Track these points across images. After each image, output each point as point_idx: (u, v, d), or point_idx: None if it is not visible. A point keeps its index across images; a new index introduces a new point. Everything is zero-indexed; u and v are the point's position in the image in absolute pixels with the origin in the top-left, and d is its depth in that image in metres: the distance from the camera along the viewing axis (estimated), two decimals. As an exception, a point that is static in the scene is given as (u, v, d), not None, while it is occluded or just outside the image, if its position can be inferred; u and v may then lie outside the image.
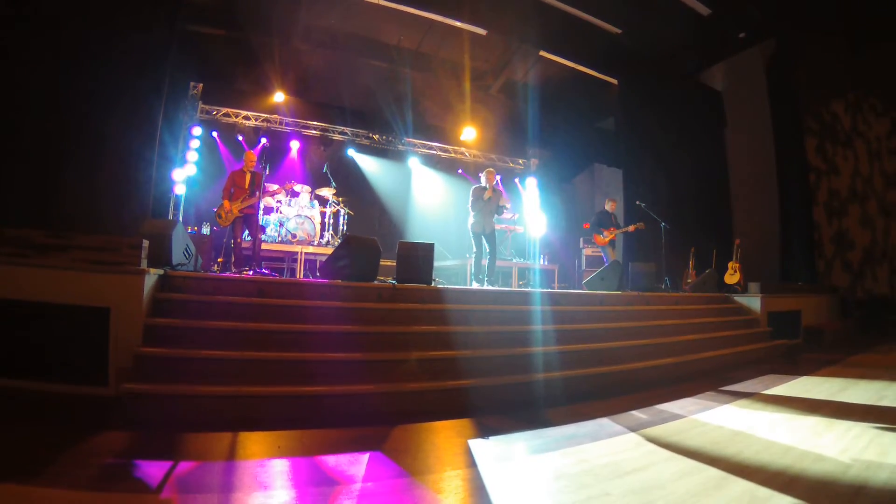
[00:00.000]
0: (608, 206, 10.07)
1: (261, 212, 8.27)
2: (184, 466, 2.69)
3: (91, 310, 3.79)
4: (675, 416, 4.04)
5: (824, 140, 11.94)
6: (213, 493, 2.40)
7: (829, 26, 11.37)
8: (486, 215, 8.16)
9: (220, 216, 7.60)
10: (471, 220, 8.26)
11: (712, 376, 5.84)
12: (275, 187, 10.32)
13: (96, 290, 3.83)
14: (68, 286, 3.79)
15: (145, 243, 4.14)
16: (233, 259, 7.73)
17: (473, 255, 8.38)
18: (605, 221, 9.84)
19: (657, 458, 3.05)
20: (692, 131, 12.51)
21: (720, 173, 13.02)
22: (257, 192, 7.55)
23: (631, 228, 9.53)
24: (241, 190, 7.58)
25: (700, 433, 3.59)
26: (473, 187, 8.35)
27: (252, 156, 7.86)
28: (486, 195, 8.13)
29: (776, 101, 12.19)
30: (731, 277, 9.78)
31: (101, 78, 7.08)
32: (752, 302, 8.55)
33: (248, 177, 7.65)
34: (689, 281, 10.36)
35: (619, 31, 11.53)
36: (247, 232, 7.95)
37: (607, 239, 9.65)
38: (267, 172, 7.94)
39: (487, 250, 8.26)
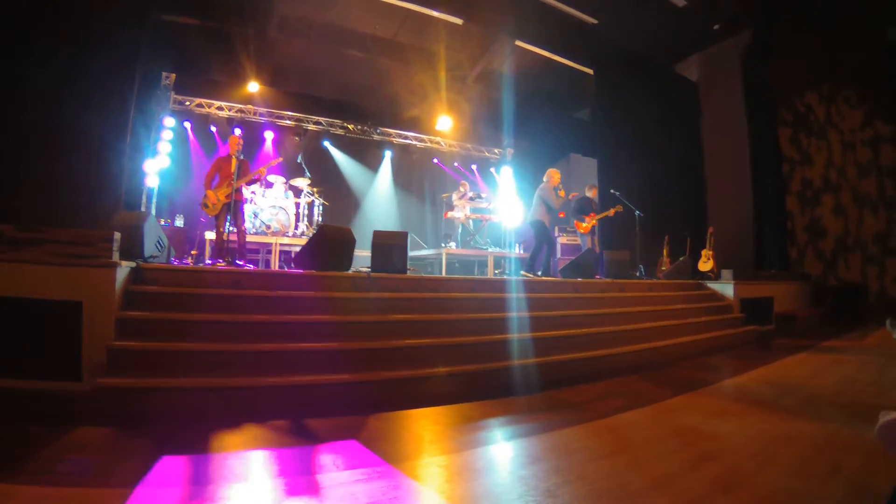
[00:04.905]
0: (589, 193, 10.00)
1: (248, 202, 7.85)
2: (160, 460, 2.67)
3: (63, 304, 3.71)
4: (648, 402, 4.11)
5: (798, 131, 12.15)
6: (191, 486, 2.39)
7: (804, 18, 11.54)
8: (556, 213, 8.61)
9: (206, 206, 7.23)
10: (548, 218, 8.54)
11: (686, 361, 5.96)
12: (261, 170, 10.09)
13: (68, 284, 3.76)
14: (41, 281, 3.70)
15: (117, 236, 4.06)
16: (207, 251, 7.47)
17: (536, 251, 8.68)
18: (585, 208, 9.73)
19: (632, 443, 3.12)
20: (668, 121, 12.63)
21: (695, 162, 13.21)
22: (245, 177, 7.23)
23: (611, 212, 9.41)
24: (226, 177, 7.17)
25: (672, 419, 3.66)
26: (548, 187, 8.50)
27: (238, 140, 7.43)
28: (562, 193, 8.53)
29: (751, 92, 12.39)
30: (705, 265, 9.91)
31: (71, 67, 6.92)
32: (725, 289, 8.70)
33: (234, 162, 7.18)
34: (663, 268, 10.47)
35: (595, 21, 11.58)
36: (229, 222, 7.42)
37: (588, 225, 9.56)
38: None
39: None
